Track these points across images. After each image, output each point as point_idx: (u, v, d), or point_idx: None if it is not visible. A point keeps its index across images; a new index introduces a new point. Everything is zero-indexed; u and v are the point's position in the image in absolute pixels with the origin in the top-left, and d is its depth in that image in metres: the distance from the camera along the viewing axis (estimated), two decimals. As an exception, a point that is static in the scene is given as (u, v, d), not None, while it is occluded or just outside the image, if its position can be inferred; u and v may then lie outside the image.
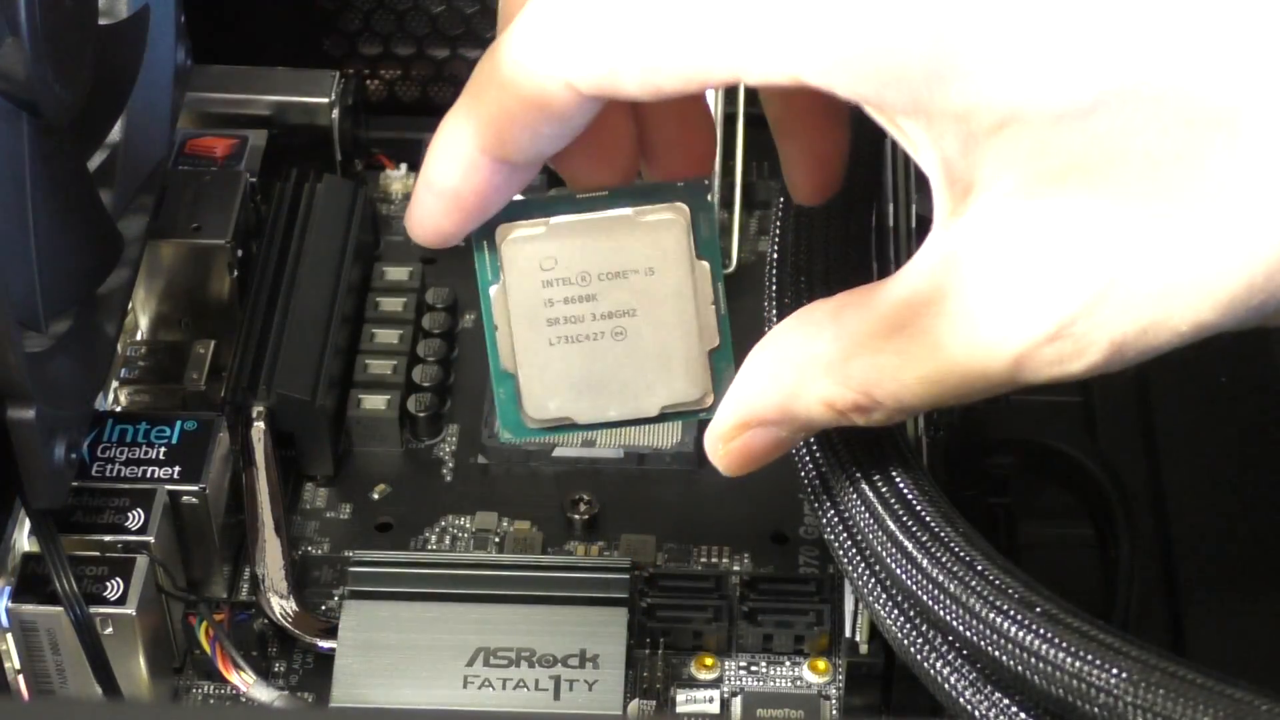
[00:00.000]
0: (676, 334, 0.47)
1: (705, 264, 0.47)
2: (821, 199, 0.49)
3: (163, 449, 0.57)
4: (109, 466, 0.57)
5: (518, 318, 0.47)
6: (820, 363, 0.43)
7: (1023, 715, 0.44)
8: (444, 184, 0.45)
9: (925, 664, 0.46)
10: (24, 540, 0.55)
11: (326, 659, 0.56)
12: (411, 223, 0.46)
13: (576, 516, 0.62)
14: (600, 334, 0.47)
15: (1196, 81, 0.37)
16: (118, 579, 0.54)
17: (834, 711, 0.56)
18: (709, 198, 0.47)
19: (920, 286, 0.41)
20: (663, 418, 0.48)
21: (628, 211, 0.47)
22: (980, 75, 0.38)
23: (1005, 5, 0.37)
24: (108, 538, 0.55)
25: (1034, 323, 0.40)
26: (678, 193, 0.47)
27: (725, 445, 0.46)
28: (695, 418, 0.48)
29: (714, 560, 0.61)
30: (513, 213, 0.46)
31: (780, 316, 0.50)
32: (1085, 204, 0.38)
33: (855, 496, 0.47)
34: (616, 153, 0.47)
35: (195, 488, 0.57)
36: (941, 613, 0.44)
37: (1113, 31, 0.37)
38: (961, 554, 0.44)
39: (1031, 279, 0.39)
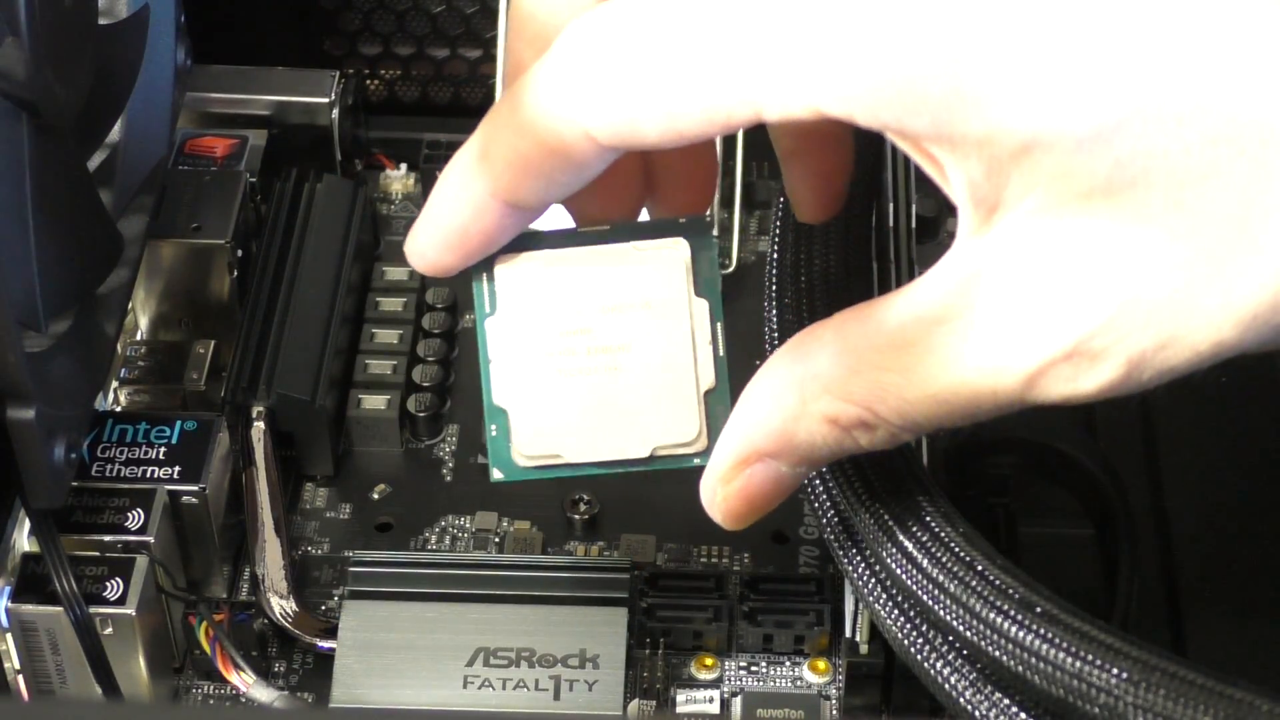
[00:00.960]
0: (671, 371, 0.47)
1: (704, 303, 0.47)
2: (827, 216, 0.50)
3: (163, 449, 0.57)
4: (109, 466, 0.57)
5: (513, 350, 0.47)
6: (821, 381, 0.43)
7: (1023, 715, 0.44)
8: (451, 221, 0.45)
9: (925, 664, 0.46)
10: (24, 540, 0.55)
11: (326, 659, 0.56)
12: (413, 253, 0.46)
13: (576, 516, 0.62)
14: (595, 369, 0.47)
15: (1219, 99, 0.37)
16: (118, 579, 0.54)
17: (834, 711, 0.56)
18: (710, 237, 0.47)
19: (933, 303, 0.41)
20: (653, 459, 0.48)
21: (628, 245, 0.47)
22: (1000, 102, 0.38)
23: (1022, 30, 0.37)
24: (108, 538, 0.55)
25: (1051, 339, 0.39)
26: (679, 229, 0.47)
27: (724, 488, 0.45)
28: (688, 463, 0.48)
29: (714, 560, 0.61)
30: (512, 243, 0.46)
31: (780, 316, 0.51)
32: (1108, 222, 0.38)
33: (855, 496, 0.47)
34: (623, 188, 0.46)
35: (195, 488, 0.57)
36: (941, 613, 0.44)
37: (1132, 53, 0.37)
38: (961, 554, 0.44)
39: (1050, 295, 0.39)
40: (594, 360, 0.47)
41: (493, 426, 0.48)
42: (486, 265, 0.46)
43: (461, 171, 0.44)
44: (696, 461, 0.47)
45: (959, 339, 0.41)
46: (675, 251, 0.47)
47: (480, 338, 0.47)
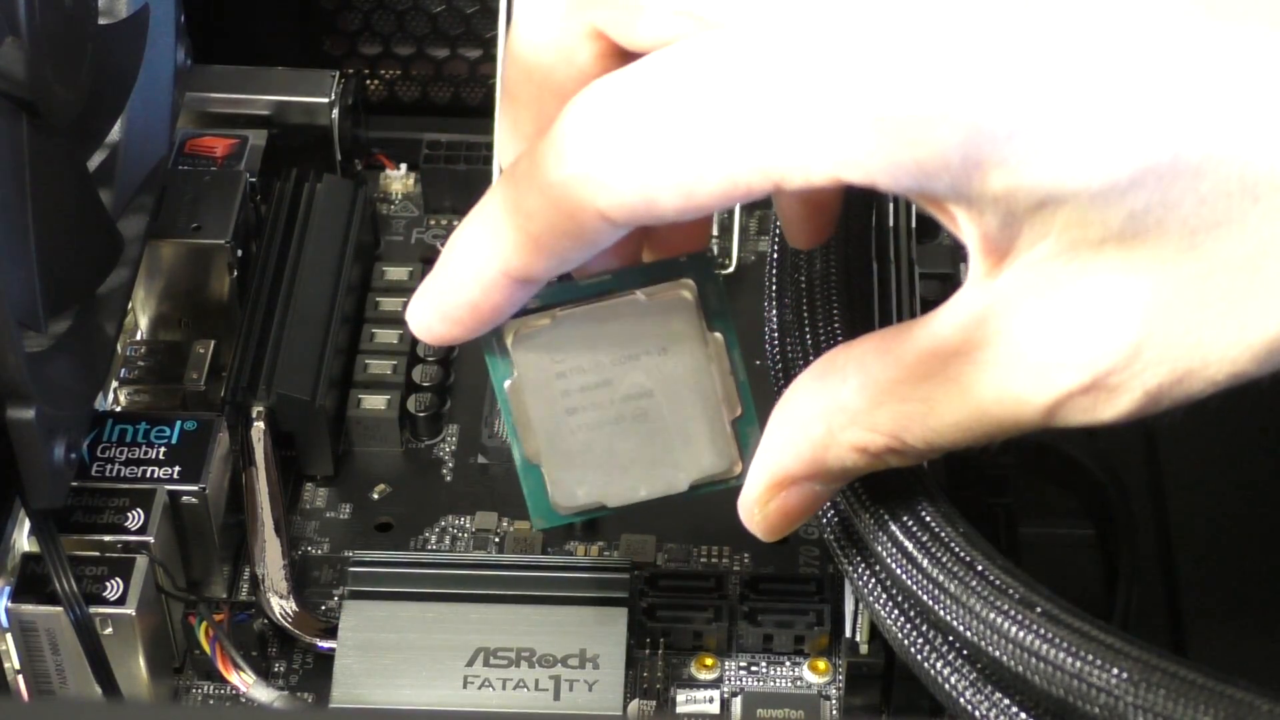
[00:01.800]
0: (697, 409, 0.47)
1: (719, 335, 0.47)
2: (819, 242, 0.50)
3: (163, 449, 0.57)
4: (109, 466, 0.57)
5: (536, 411, 0.47)
6: (847, 413, 0.43)
7: (1023, 715, 0.44)
8: (459, 298, 0.45)
9: (925, 664, 0.46)
10: (24, 540, 0.55)
11: (326, 659, 0.56)
12: (419, 325, 0.45)
13: (576, 516, 0.61)
14: (621, 417, 0.47)
15: (1232, 151, 0.37)
16: (118, 579, 0.54)
17: (834, 711, 0.56)
18: (714, 269, 0.47)
19: (950, 337, 0.41)
20: (693, 490, 0.48)
21: (634, 294, 0.47)
22: (1018, 161, 0.38)
23: (1037, 90, 0.37)
24: (108, 538, 0.55)
25: (1069, 374, 0.40)
26: (681, 268, 0.47)
27: (761, 509, 0.46)
28: (726, 486, 0.48)
29: (714, 560, 0.61)
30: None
31: (780, 317, 0.51)
32: (1121, 267, 0.39)
33: (855, 497, 0.47)
34: (623, 242, 0.46)
35: (195, 488, 0.57)
36: (941, 613, 0.44)
37: (1146, 107, 0.37)
38: (961, 554, 0.44)
39: (1067, 332, 0.40)
40: (620, 409, 0.47)
41: (527, 482, 0.48)
42: (496, 333, 0.46)
43: (469, 249, 0.44)
44: (734, 484, 0.48)
45: (977, 371, 0.41)
46: (683, 292, 0.47)
47: (500, 400, 0.47)
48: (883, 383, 0.43)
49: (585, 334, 0.47)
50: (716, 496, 0.62)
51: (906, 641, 0.46)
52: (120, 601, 0.54)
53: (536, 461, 0.48)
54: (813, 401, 0.44)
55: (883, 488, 0.46)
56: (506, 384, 0.47)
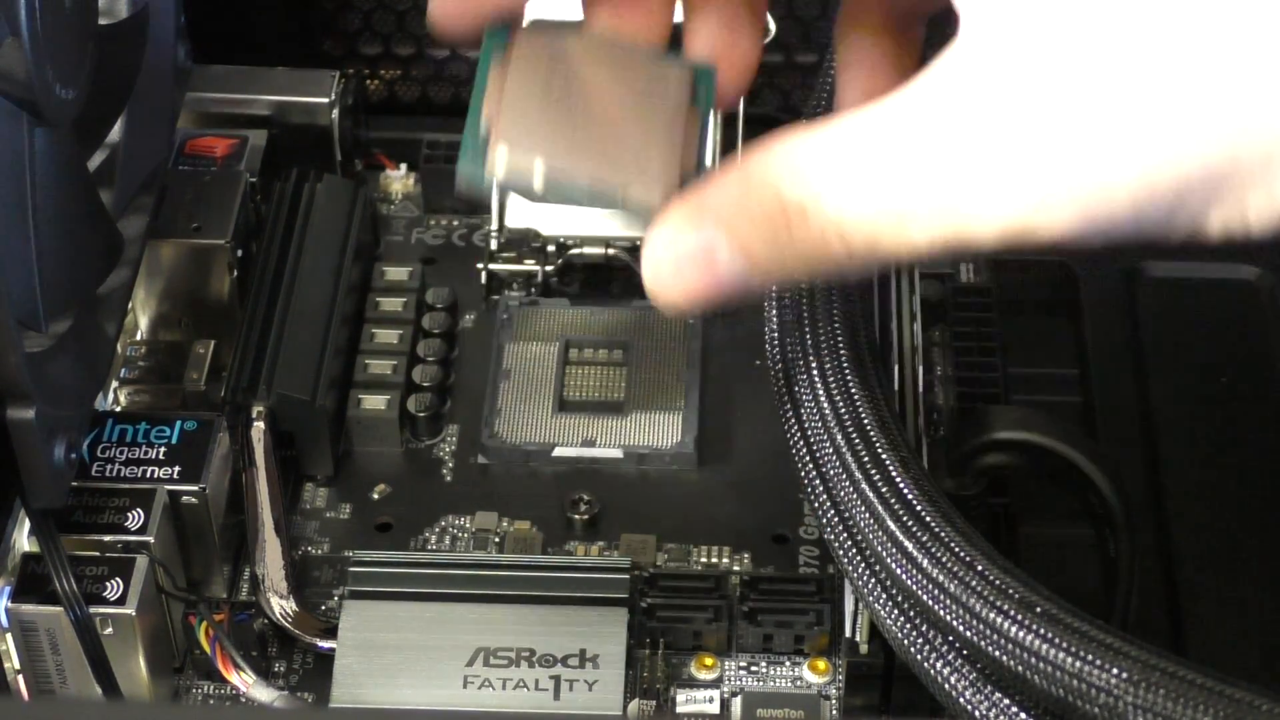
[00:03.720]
0: (660, 141, 0.47)
1: (698, 111, 0.48)
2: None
3: (163, 449, 0.57)
4: (109, 466, 0.57)
5: (514, 81, 0.47)
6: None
7: (1023, 715, 0.44)
8: None
9: (925, 664, 0.46)
10: (24, 540, 0.55)
11: (326, 659, 0.56)
12: (435, 11, 0.47)
13: (576, 516, 0.61)
14: (590, 112, 0.47)
15: None
16: (118, 579, 0.54)
17: (834, 711, 0.56)
18: (715, 81, 0.48)
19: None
20: (624, 205, 0.47)
21: (641, 49, 0.48)
22: None
23: None
24: (108, 538, 0.55)
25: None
26: (689, 64, 0.48)
27: (670, 245, 0.44)
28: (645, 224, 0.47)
29: (714, 560, 0.61)
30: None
31: (780, 317, 0.51)
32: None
33: (855, 496, 0.47)
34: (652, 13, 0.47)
35: (195, 488, 0.57)
36: (941, 613, 0.44)
37: None
38: (961, 554, 0.44)
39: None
40: (594, 108, 0.47)
41: (470, 132, 0.47)
42: (505, 26, 0.48)
43: None
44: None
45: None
46: (683, 70, 0.48)
47: (483, 56, 0.48)
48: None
49: (595, 50, 0.48)
50: (717, 501, 0.62)
51: (906, 641, 0.46)
52: (120, 601, 0.54)
53: (490, 121, 0.47)
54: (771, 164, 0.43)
55: (883, 487, 0.46)
56: (497, 52, 0.48)
